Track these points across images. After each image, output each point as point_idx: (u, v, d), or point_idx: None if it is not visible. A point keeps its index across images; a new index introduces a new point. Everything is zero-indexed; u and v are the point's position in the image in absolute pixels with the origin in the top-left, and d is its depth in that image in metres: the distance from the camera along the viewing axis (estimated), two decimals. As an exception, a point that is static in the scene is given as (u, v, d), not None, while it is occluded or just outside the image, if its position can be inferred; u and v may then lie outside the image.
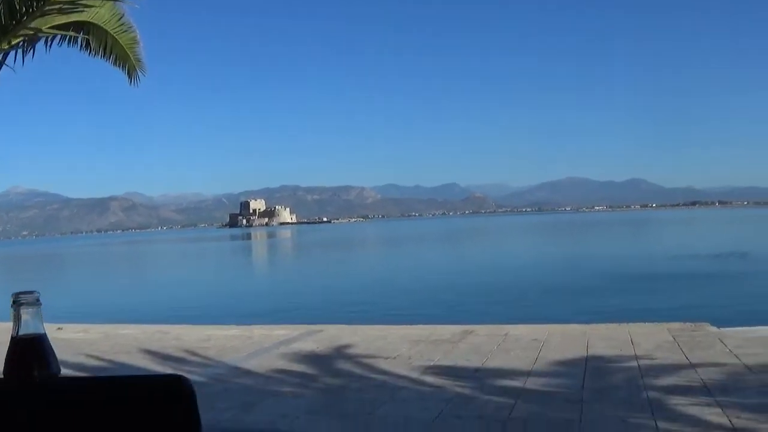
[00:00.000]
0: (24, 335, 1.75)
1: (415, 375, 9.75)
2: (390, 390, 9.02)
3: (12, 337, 1.75)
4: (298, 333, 13.47)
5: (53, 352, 1.78)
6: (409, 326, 14.16)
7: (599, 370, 9.83)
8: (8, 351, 1.75)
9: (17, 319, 1.75)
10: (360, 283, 36.48)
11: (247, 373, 10.17)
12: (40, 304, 1.76)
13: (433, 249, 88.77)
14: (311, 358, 11.10)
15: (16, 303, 1.74)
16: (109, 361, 11.31)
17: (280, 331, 13.76)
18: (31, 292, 1.76)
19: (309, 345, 12.13)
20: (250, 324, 14.99)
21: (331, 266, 62.11)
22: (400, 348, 11.57)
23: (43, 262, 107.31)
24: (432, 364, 10.38)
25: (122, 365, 10.91)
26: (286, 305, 25.79)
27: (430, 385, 9.23)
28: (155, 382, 1.33)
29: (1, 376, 1.75)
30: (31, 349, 1.75)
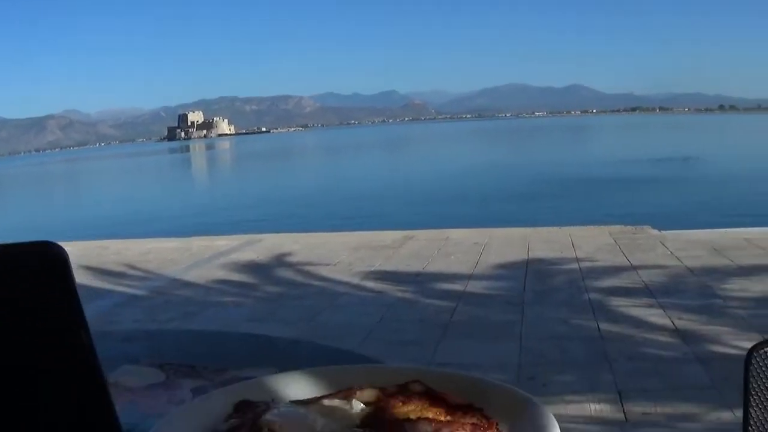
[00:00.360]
0: None
1: (355, 281, 9.68)
2: (330, 296, 8.95)
3: None
4: (237, 243, 13.32)
5: None
6: (349, 233, 14.09)
7: (540, 272, 9.84)
8: None
9: None
10: (300, 193, 36.27)
11: (188, 284, 10.03)
12: None
13: (372, 157, 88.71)
14: (251, 267, 10.98)
15: None
16: None
17: (220, 242, 13.60)
18: None
19: (249, 255, 11.99)
20: (190, 236, 14.81)
21: (270, 176, 61.71)
22: (340, 255, 11.49)
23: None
24: (372, 269, 10.32)
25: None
26: (226, 216, 25.56)
27: (371, 291, 9.18)
28: (19, 250, 1.16)
29: None
30: None
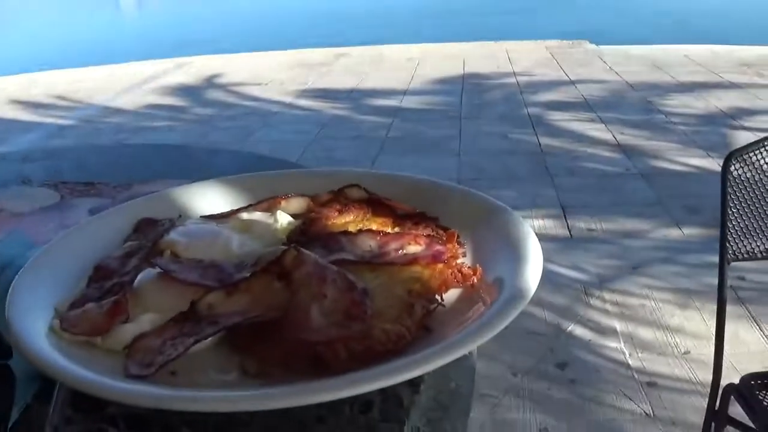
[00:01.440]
0: None
1: (288, 99, 9.41)
2: (263, 116, 8.68)
3: None
4: (166, 67, 12.90)
5: None
6: (280, 52, 13.70)
7: (477, 87, 9.65)
8: None
9: None
10: (227, 11, 35.44)
11: (117, 111, 9.67)
12: None
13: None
14: (181, 90, 10.62)
15: None
16: None
17: (148, 67, 13.15)
18: None
19: (178, 78, 11.62)
20: (117, 63, 14.33)
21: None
22: (272, 74, 11.17)
23: None
24: (306, 87, 10.05)
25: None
26: (152, 39, 24.86)
27: (305, 108, 8.93)
28: None
29: None
30: None
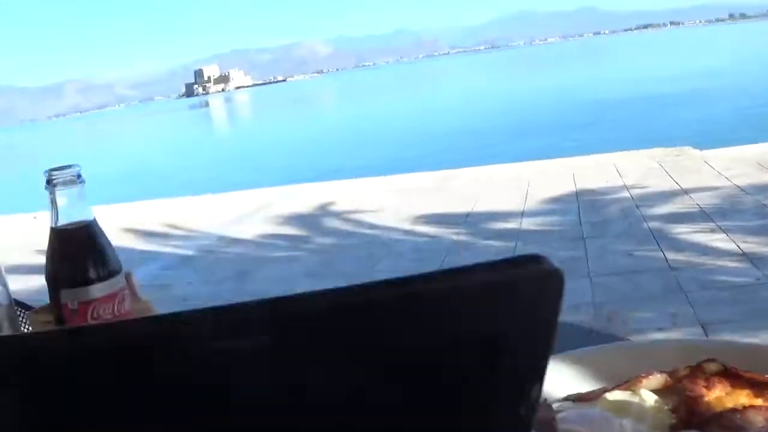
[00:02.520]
0: (67, 225, 1.36)
1: (406, 226, 9.51)
2: (384, 243, 8.80)
3: (51, 229, 1.37)
4: (275, 195, 13.19)
5: (109, 242, 1.40)
6: (386, 177, 13.89)
7: (593, 203, 9.63)
8: (49, 247, 1.38)
9: (55, 204, 1.35)
10: (327, 139, 36.07)
11: (235, 241, 9.90)
12: (83, 181, 1.36)
13: (392, 97, 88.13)
14: (296, 219, 10.83)
15: (52, 183, 1.33)
16: None
17: (258, 195, 13.47)
18: (69, 167, 1.35)
19: (291, 206, 11.84)
20: (225, 192, 14.67)
21: (293, 124, 61.43)
22: (383, 200, 11.31)
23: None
24: (420, 213, 10.13)
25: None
26: (257, 168, 25.42)
27: (424, 235, 9.03)
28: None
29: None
30: (78, 243, 1.37)
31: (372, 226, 9.71)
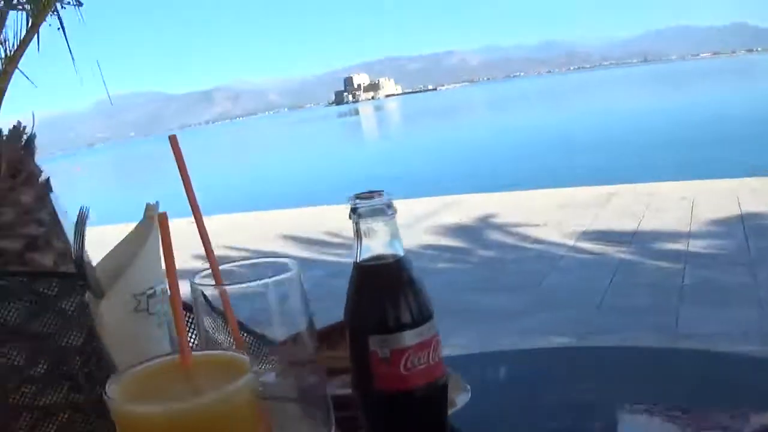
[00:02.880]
0: (374, 261, 1.24)
1: (570, 242, 9.48)
2: (550, 259, 8.79)
3: (355, 264, 1.25)
4: (435, 206, 13.28)
5: (420, 280, 1.27)
6: (547, 190, 13.83)
7: (760, 228, 9.35)
8: (352, 284, 1.27)
9: (359, 236, 1.24)
10: (484, 149, 36.00)
11: (397, 252, 9.96)
12: (394, 212, 1.24)
13: (545, 108, 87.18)
14: (457, 230, 10.90)
15: (356, 212, 1.23)
16: (253, 251, 11.05)
17: (417, 206, 13.56)
18: (377, 194, 1.24)
19: (451, 217, 11.92)
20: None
21: (449, 134, 61.22)
22: (546, 214, 11.28)
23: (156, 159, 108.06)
24: (585, 230, 10.07)
25: (267, 254, 10.71)
26: (415, 178, 25.52)
27: (590, 252, 8.98)
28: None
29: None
30: (389, 282, 1.25)
31: (537, 241, 9.70)
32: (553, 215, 11.18)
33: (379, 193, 1.24)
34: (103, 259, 1.47)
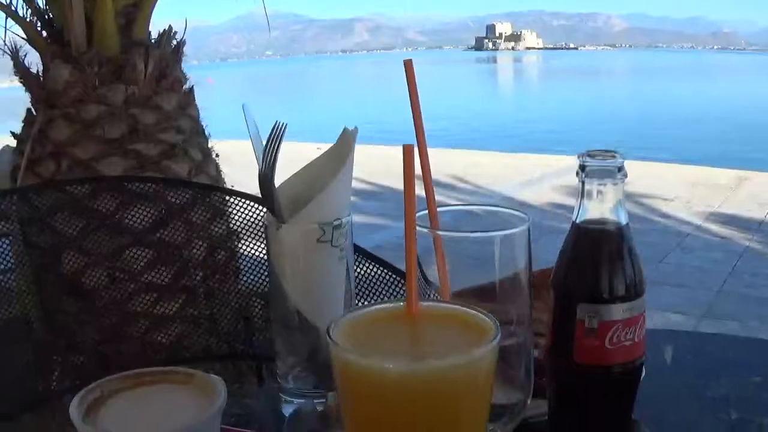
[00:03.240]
0: (594, 224, 1.19)
1: (697, 221, 9.39)
2: (675, 235, 8.73)
3: (573, 223, 1.20)
4: (566, 164, 13.17)
5: (639, 254, 1.21)
6: (682, 166, 13.61)
7: None
8: (567, 243, 1.23)
9: (582, 195, 1.18)
10: (622, 115, 35.33)
11: (522, 204, 9.97)
12: (624, 176, 1.16)
13: (686, 83, 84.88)
14: (582, 194, 10.80)
15: (584, 170, 1.17)
16: (376, 184, 11.05)
17: (549, 161, 13.50)
18: (609, 155, 1.17)
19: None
20: (517, 152, 14.76)
21: (585, 94, 60.16)
22: (677, 190, 11.14)
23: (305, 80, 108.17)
24: (713, 211, 9.96)
25: (389, 189, 10.83)
26: (551, 133, 25.28)
27: (716, 235, 8.87)
28: None
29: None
30: (608, 250, 1.19)
31: (664, 215, 9.62)
32: (684, 192, 11.04)
33: (612, 153, 1.17)
34: (285, 182, 1.44)
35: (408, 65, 1.12)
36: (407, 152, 0.96)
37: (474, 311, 0.96)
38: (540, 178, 11.83)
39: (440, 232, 1.15)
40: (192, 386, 1.10)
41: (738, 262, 7.74)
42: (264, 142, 1.35)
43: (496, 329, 0.91)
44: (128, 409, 1.05)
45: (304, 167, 1.49)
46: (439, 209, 1.16)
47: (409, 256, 0.97)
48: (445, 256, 1.13)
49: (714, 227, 9.17)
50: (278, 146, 1.34)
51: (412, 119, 1.13)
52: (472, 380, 0.91)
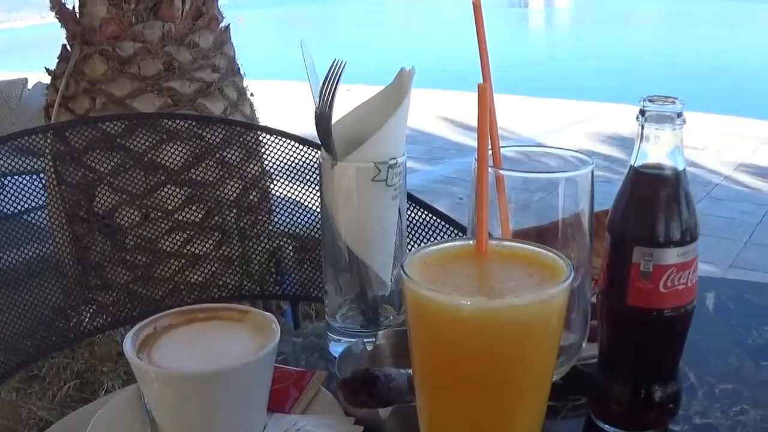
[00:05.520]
0: (654, 168, 1.20)
1: (726, 171, 9.32)
2: (703, 185, 8.67)
3: (631, 167, 1.22)
4: (599, 111, 13.02)
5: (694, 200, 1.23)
6: (714, 115, 13.44)
7: None
8: (624, 187, 1.24)
9: (641, 139, 1.20)
10: (651, 63, 34.80)
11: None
12: (683, 122, 1.17)
13: (723, 33, 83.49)
14: (616, 139, 10.72)
15: (644, 114, 1.18)
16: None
17: (577, 107, 13.39)
18: (670, 100, 1.18)
19: (613, 126, 11.68)
20: (542, 97, 14.61)
21: (616, 41, 59.35)
22: (707, 138, 11.01)
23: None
24: (743, 161, 9.87)
25: (420, 132, 10.80)
26: (576, 83, 24.99)
27: (745, 185, 8.82)
28: None
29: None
30: (667, 194, 1.20)
31: (693, 164, 9.52)
32: (714, 141, 10.91)
33: (673, 99, 1.18)
34: (339, 121, 1.43)
35: (476, 5, 1.13)
36: (482, 92, 0.97)
37: (545, 250, 0.98)
38: (568, 125, 11.76)
39: (504, 172, 1.17)
40: (245, 324, 1.13)
41: (767, 214, 7.71)
42: (321, 81, 1.37)
43: (569, 269, 0.93)
44: (182, 346, 1.08)
45: (358, 106, 1.49)
46: (502, 149, 1.19)
47: (480, 194, 0.99)
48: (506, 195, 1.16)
49: (744, 177, 9.10)
50: (336, 84, 1.36)
51: (480, 60, 1.14)
52: (545, 320, 0.92)
